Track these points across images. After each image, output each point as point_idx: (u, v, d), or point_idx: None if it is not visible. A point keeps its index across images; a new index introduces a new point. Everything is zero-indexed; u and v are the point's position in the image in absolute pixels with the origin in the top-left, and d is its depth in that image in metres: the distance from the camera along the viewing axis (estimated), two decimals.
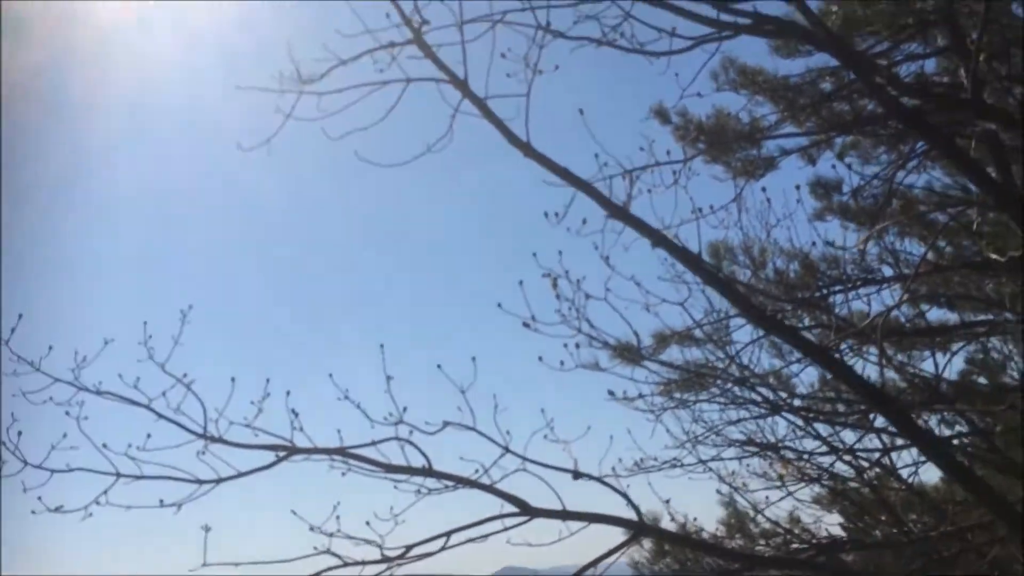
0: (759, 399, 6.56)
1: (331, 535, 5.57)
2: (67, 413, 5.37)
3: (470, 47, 5.83)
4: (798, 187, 6.43)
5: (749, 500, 6.71)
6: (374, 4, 6.02)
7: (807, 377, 7.13)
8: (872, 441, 6.71)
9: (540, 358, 6.55)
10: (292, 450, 5.66)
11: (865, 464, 6.74)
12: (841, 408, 6.44)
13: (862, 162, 7.44)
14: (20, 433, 5.30)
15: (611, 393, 6.46)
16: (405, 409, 5.62)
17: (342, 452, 5.70)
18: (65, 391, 5.44)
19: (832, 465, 6.64)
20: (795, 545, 6.63)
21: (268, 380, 5.73)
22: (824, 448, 6.59)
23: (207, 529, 5.12)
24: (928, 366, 6.96)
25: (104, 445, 5.32)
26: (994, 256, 5.85)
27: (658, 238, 5.29)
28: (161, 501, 5.37)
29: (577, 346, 6.53)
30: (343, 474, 5.80)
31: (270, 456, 5.66)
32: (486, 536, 5.74)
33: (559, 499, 5.74)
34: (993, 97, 6.84)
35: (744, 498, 6.73)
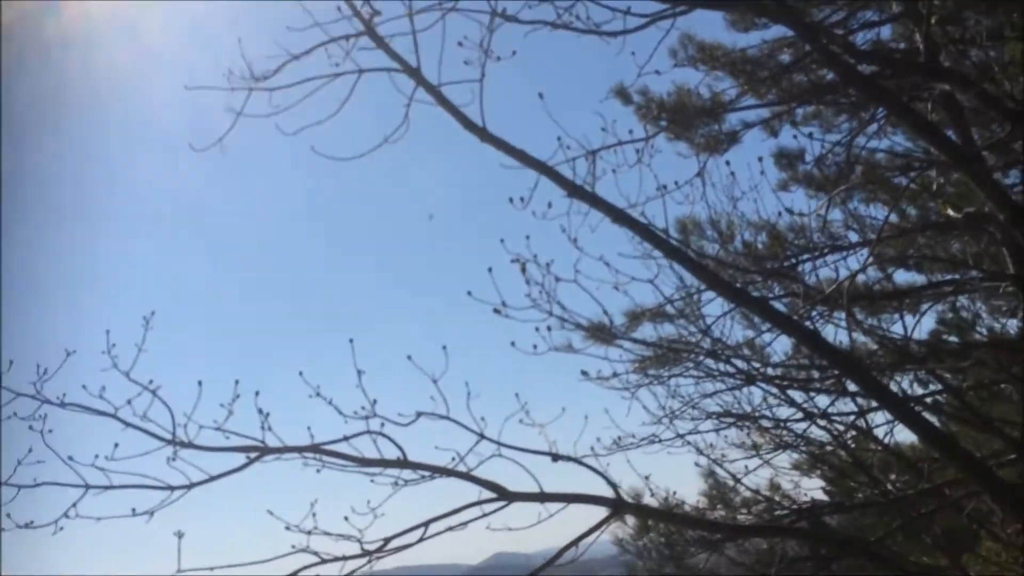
0: (733, 370, 6.58)
1: (309, 532, 5.54)
2: (31, 427, 5.28)
3: (424, 36, 5.79)
4: (761, 159, 6.45)
5: (728, 471, 6.75)
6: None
7: (780, 346, 7.17)
8: (847, 404, 6.77)
9: (513, 343, 6.55)
10: (264, 450, 5.60)
11: (841, 428, 6.80)
12: (815, 375, 6.47)
13: (823, 131, 7.46)
14: None
15: (584, 373, 6.46)
16: (375, 402, 5.58)
17: (315, 449, 5.65)
18: (29, 405, 5.36)
19: (807, 431, 6.69)
20: (776, 512, 6.67)
21: (237, 382, 5.67)
22: (800, 415, 6.64)
23: (180, 535, 5.06)
24: (899, 328, 7.02)
25: (71, 457, 5.24)
26: (951, 213, 5.90)
27: (618, 214, 5.28)
28: (133, 510, 5.30)
29: (549, 329, 6.53)
30: (317, 471, 5.76)
31: (242, 458, 5.62)
32: (465, 523, 5.73)
33: (537, 482, 5.74)
34: (950, 60, 6.88)
35: (724, 469, 6.77)
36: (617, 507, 5.61)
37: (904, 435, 7.31)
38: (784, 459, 6.90)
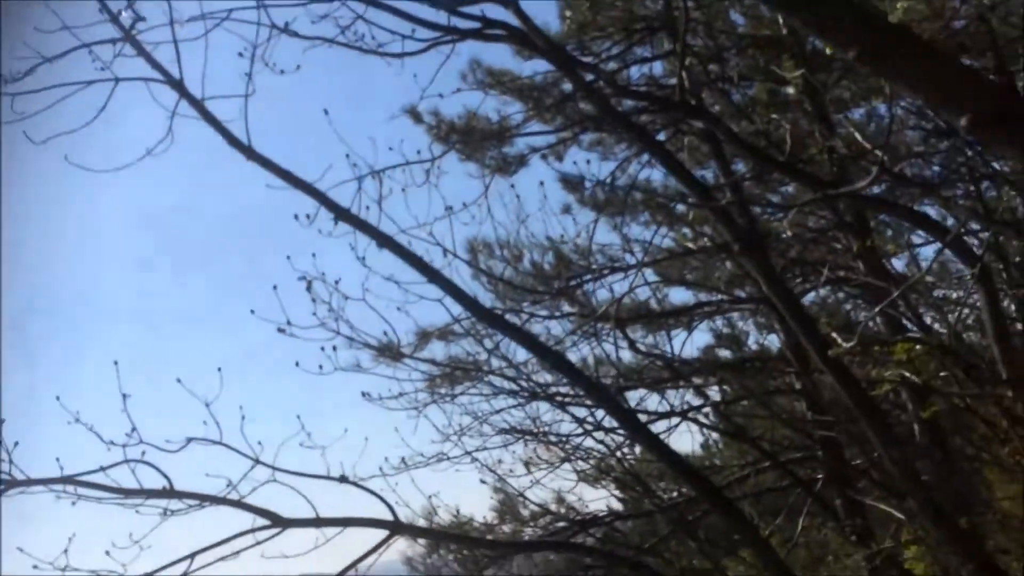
0: (518, 388, 6.80)
1: (63, 570, 5.17)
2: None
3: (191, 47, 5.62)
4: (542, 183, 6.74)
5: (514, 486, 6.94)
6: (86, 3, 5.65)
7: None
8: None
9: (297, 363, 6.43)
10: (10, 483, 5.18)
11: (619, 441, 7.15)
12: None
13: (604, 157, 7.93)
14: None
15: (365, 394, 6.45)
16: (134, 429, 5.30)
17: (68, 481, 5.29)
18: None
19: (585, 443, 7.00)
20: (560, 524, 6.93)
21: None
22: (581, 429, 6.93)
23: None
24: (676, 345, 7.51)
25: None
26: (689, 245, 6.43)
27: (382, 239, 5.34)
28: None
29: (335, 348, 6.47)
30: (73, 503, 5.40)
31: None
32: (237, 552, 5.55)
33: (313, 507, 5.65)
34: (714, 97, 7.52)
35: (511, 485, 6.95)
36: (394, 528, 5.62)
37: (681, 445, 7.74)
38: (570, 473, 7.18)
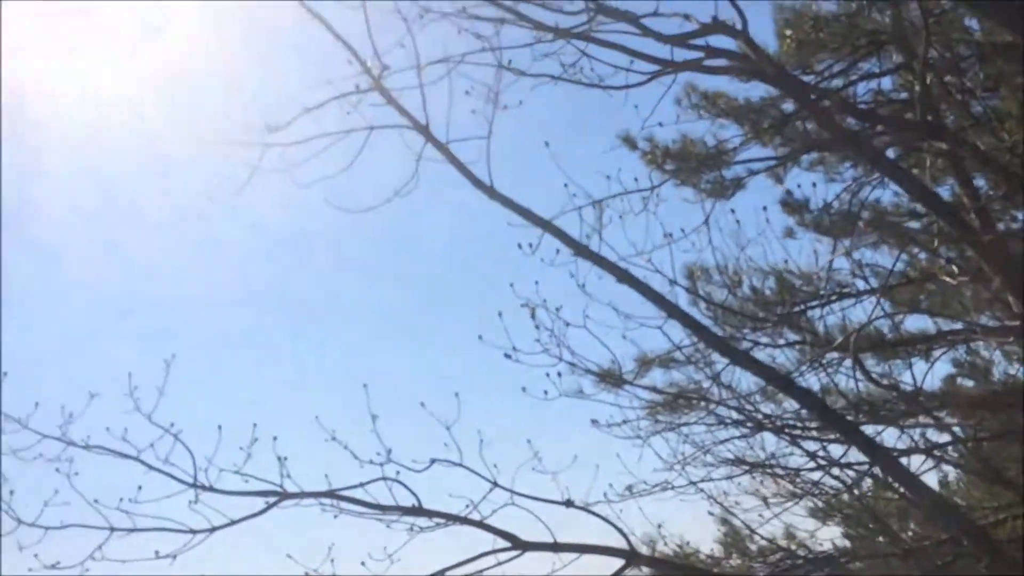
0: (744, 418, 6.62)
1: None
2: (57, 470, 5.45)
3: (431, 90, 6.06)
4: (765, 208, 6.59)
5: (743, 520, 6.73)
6: (335, 51, 6.25)
7: None
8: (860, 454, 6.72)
9: (524, 389, 6.65)
10: (283, 495, 5.73)
11: (854, 476, 6.76)
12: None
13: (828, 178, 7.61)
14: (12, 492, 5.39)
15: (595, 421, 6.53)
16: (390, 451, 5.70)
17: (332, 495, 5.77)
18: (54, 447, 5.54)
19: (821, 480, 6.67)
20: (792, 561, 6.62)
21: (255, 426, 5.83)
22: (813, 463, 6.62)
23: None
24: (910, 376, 7.02)
25: (96, 500, 5.39)
26: (948, 279, 5.98)
27: (621, 274, 5.43)
28: (156, 553, 5.43)
29: (559, 374, 6.63)
30: (335, 516, 5.87)
31: (261, 502, 5.74)
32: (480, 572, 5.78)
33: (550, 531, 5.79)
34: (952, 111, 7.03)
35: (738, 518, 6.75)
36: (630, 558, 5.64)
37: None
38: (800, 508, 6.88)
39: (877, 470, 6.95)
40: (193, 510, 5.61)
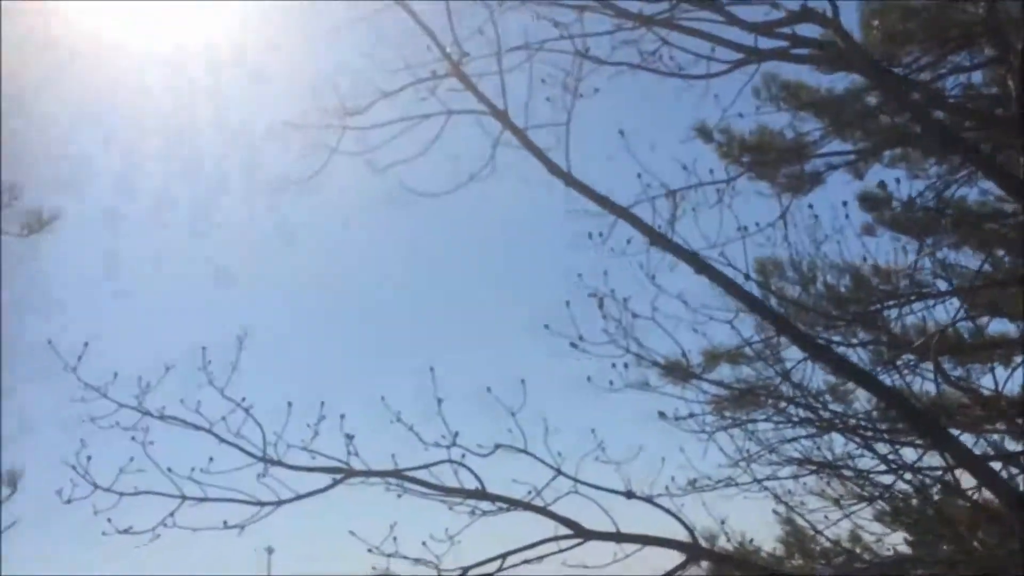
0: (813, 417, 6.47)
1: (389, 556, 5.67)
2: (133, 438, 5.59)
3: (509, 77, 6.00)
4: (845, 203, 6.40)
5: (808, 520, 6.59)
6: (414, 37, 6.24)
7: (864, 394, 6.99)
8: (934, 458, 6.54)
9: (589, 378, 6.59)
10: (349, 473, 5.79)
11: (927, 482, 6.57)
12: (900, 426, 6.30)
13: (911, 175, 7.36)
14: (89, 458, 5.54)
15: (662, 414, 6.44)
16: (457, 434, 5.71)
17: (397, 475, 5.81)
18: (131, 416, 5.68)
19: (893, 484, 6.48)
20: (857, 565, 6.48)
21: (323, 404, 5.90)
22: (884, 466, 6.45)
23: (270, 551, 5.25)
24: (989, 381, 6.78)
25: (169, 469, 5.52)
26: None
27: (700, 265, 5.33)
28: (225, 523, 5.54)
29: (626, 366, 6.56)
30: (399, 496, 5.91)
31: (327, 479, 5.81)
32: (541, 558, 5.77)
33: (612, 521, 5.74)
34: None
35: (803, 517, 6.61)
36: (694, 552, 5.57)
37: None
38: (867, 510, 6.71)
39: (950, 476, 6.76)
40: (261, 483, 5.71)
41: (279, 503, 5.65)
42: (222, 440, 5.71)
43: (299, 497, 5.71)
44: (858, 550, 6.60)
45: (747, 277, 5.71)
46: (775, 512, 6.63)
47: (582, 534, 5.66)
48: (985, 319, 7.02)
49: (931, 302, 6.69)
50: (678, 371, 6.51)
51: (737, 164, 7.01)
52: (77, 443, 5.50)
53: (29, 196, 6.90)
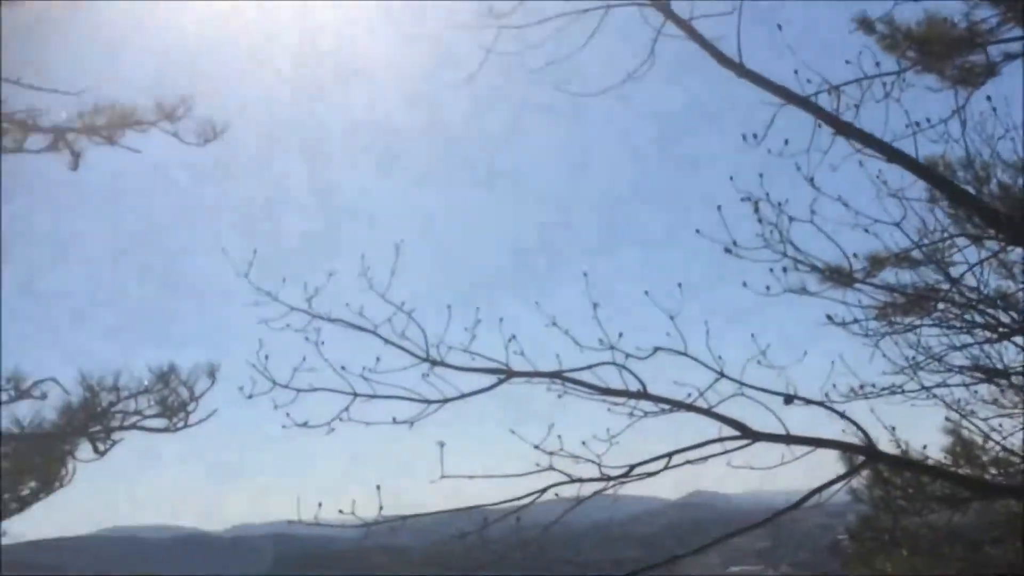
0: (986, 323, 6.12)
1: (552, 454, 5.70)
2: (307, 339, 5.76)
3: None
4: None
5: (980, 428, 6.29)
6: None
7: None
8: None
9: (744, 284, 6.40)
10: (512, 373, 5.83)
11: None
12: None
13: None
14: (267, 356, 5.75)
15: (829, 317, 6.20)
16: (621, 335, 5.66)
17: (559, 376, 5.81)
18: (301, 319, 5.86)
19: None
20: None
21: (478, 308, 5.96)
22: None
23: (442, 445, 5.35)
24: None
25: (343, 367, 5.67)
26: None
27: (892, 153, 5.01)
28: (394, 419, 5.68)
29: (784, 270, 6.33)
30: (559, 396, 5.92)
31: (489, 379, 5.87)
32: (706, 458, 5.71)
33: (782, 424, 5.61)
34: None
35: (975, 425, 6.32)
36: (871, 455, 5.39)
37: None
38: None
39: None
40: (426, 382, 5.82)
41: (444, 401, 5.74)
42: (387, 341, 5.83)
43: (463, 396, 5.79)
44: None
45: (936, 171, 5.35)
46: (947, 420, 6.37)
47: (750, 435, 5.55)
48: None
49: None
50: (840, 275, 6.23)
51: (903, 57, 6.56)
52: (256, 344, 5.69)
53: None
